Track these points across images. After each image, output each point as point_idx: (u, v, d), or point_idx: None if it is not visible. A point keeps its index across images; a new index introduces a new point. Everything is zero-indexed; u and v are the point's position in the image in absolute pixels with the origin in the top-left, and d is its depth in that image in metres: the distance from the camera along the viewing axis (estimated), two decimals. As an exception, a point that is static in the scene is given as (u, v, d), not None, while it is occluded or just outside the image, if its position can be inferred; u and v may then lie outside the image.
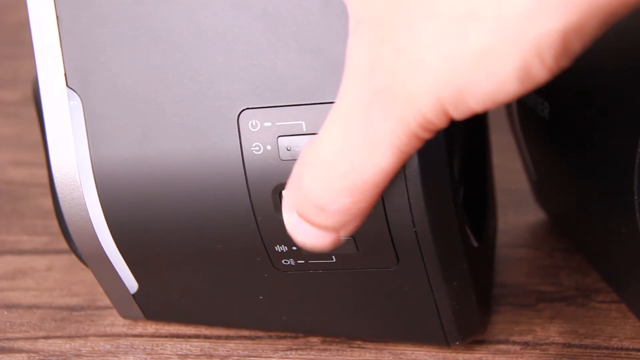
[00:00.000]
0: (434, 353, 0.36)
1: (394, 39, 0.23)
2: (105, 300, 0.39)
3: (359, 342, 0.37)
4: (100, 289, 0.37)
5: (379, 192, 0.26)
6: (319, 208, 0.26)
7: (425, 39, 0.22)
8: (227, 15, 0.30)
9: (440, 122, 0.24)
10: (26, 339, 0.38)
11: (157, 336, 0.38)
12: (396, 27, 0.23)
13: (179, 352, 0.37)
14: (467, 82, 0.22)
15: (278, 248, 0.32)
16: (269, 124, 0.30)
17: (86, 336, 0.38)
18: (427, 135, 0.24)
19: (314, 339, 0.37)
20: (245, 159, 0.30)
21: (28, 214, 0.47)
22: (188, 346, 0.37)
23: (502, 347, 0.37)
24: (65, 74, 0.32)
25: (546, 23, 0.21)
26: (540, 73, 0.22)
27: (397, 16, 0.23)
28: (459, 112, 0.23)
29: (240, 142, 0.30)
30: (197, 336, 0.38)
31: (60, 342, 0.38)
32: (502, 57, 0.21)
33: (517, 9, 0.21)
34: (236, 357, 0.37)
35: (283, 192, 0.27)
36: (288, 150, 0.30)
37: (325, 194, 0.26)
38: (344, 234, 0.27)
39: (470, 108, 0.23)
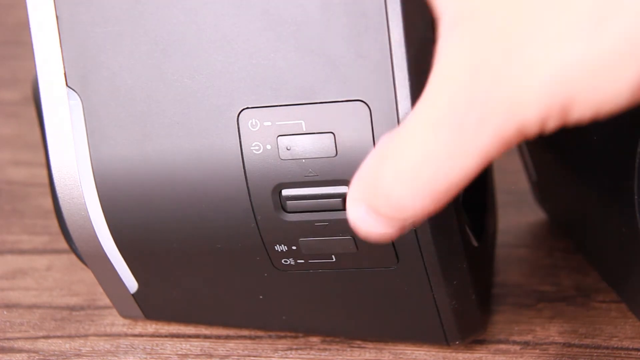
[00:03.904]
0: (434, 353, 0.36)
1: (505, 40, 0.22)
2: (105, 300, 0.39)
3: (359, 342, 0.37)
4: (100, 289, 0.37)
5: (458, 192, 0.25)
6: (397, 207, 0.25)
7: (546, 39, 0.21)
8: (227, 15, 0.30)
9: (535, 133, 0.23)
10: (26, 338, 0.38)
11: (157, 336, 0.38)
12: (509, 26, 0.22)
13: (179, 352, 0.37)
14: (581, 91, 0.21)
15: (278, 248, 0.32)
16: (268, 123, 0.30)
17: (86, 336, 0.38)
18: (516, 142, 0.23)
19: (314, 339, 0.37)
20: (245, 159, 0.30)
21: (28, 214, 0.47)
22: (188, 346, 0.37)
23: (502, 346, 0.37)
24: (65, 74, 0.32)
25: None
26: None
27: (512, 14, 0.22)
28: (556, 124, 0.22)
29: (240, 142, 0.30)
30: (197, 336, 0.38)
31: (60, 342, 0.38)
32: (625, 64, 0.21)
33: None
34: (236, 357, 0.37)
35: (351, 183, 0.26)
36: (288, 149, 0.30)
37: (408, 195, 0.25)
38: (411, 225, 0.27)
39: (569, 120, 0.22)
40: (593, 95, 0.21)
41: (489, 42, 0.22)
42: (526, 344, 0.37)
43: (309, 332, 0.37)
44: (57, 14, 0.31)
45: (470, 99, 0.23)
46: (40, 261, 0.43)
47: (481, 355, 0.36)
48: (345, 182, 0.30)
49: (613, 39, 0.20)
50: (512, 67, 0.22)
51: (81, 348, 0.38)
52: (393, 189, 0.25)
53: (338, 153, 0.30)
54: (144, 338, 0.38)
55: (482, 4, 0.22)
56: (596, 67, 0.21)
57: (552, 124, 0.22)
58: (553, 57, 0.21)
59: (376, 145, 0.26)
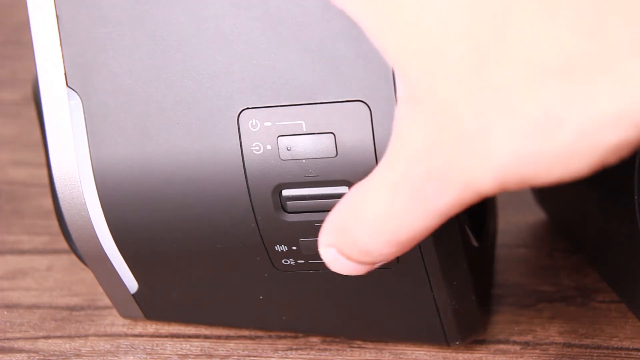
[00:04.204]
0: (434, 353, 0.36)
1: (459, 126, 0.22)
2: (105, 300, 0.40)
3: (359, 342, 0.37)
4: (100, 289, 0.37)
5: (413, 246, 0.26)
6: (364, 253, 0.27)
7: (497, 134, 0.22)
8: (227, 15, 0.30)
9: (494, 193, 0.23)
10: (26, 339, 0.38)
11: (157, 336, 0.38)
12: (463, 114, 0.22)
13: (179, 352, 0.37)
14: (536, 174, 0.22)
15: (278, 248, 0.32)
16: (269, 123, 0.30)
17: (86, 336, 0.38)
18: (473, 204, 0.24)
19: (314, 339, 0.37)
20: (245, 159, 0.30)
21: (28, 214, 0.47)
22: (188, 346, 0.37)
23: (502, 347, 0.37)
24: (65, 74, 0.32)
25: (630, 131, 0.20)
26: (614, 162, 0.21)
27: (466, 103, 0.22)
28: (515, 187, 0.23)
29: (240, 142, 0.30)
30: (197, 336, 0.38)
31: (60, 342, 0.38)
32: (580, 157, 0.21)
33: (602, 120, 0.20)
34: (236, 357, 0.37)
35: (322, 228, 0.28)
36: (288, 149, 0.30)
37: (374, 244, 0.26)
38: (379, 266, 0.28)
39: (530, 186, 0.23)
40: (549, 176, 0.22)
41: (444, 126, 0.23)
42: (526, 344, 0.37)
43: (309, 332, 0.37)
44: (57, 14, 0.31)
45: (427, 171, 0.24)
46: (40, 261, 0.43)
47: (481, 355, 0.36)
48: (346, 183, 0.30)
49: (567, 137, 0.21)
50: (466, 152, 0.22)
51: (81, 348, 0.38)
52: (360, 238, 0.26)
53: (338, 153, 0.30)
54: (144, 338, 0.38)
55: (439, 89, 0.23)
56: (550, 160, 0.21)
57: (510, 188, 0.23)
58: (502, 150, 0.22)
59: (346, 195, 0.27)
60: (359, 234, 0.26)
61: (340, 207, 0.27)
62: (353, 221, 0.27)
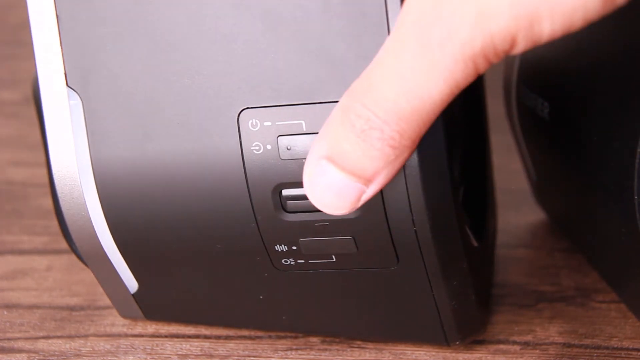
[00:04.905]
0: (434, 353, 0.36)
1: None
2: (105, 300, 0.40)
3: (359, 342, 0.37)
4: (100, 289, 0.37)
5: (421, 131, 0.25)
6: (361, 138, 0.25)
7: None
8: (227, 15, 0.30)
9: (504, 51, 0.22)
10: (26, 339, 0.38)
11: (157, 336, 0.38)
12: None
13: (179, 352, 0.37)
14: (547, 3, 0.21)
15: (278, 248, 0.32)
16: (269, 123, 0.30)
17: (86, 336, 0.38)
18: (484, 65, 0.23)
19: (314, 339, 0.37)
20: (245, 159, 0.30)
21: (28, 214, 0.47)
22: (188, 346, 0.37)
23: (502, 347, 0.37)
24: (65, 74, 0.32)
25: None
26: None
27: None
28: (529, 38, 0.22)
29: (240, 142, 0.30)
30: (197, 336, 0.38)
31: (60, 342, 0.38)
32: None
33: None
34: (236, 357, 0.37)
35: (314, 140, 0.27)
36: (288, 149, 0.30)
37: (378, 117, 0.24)
38: (369, 191, 0.26)
39: (542, 32, 0.21)
40: (562, 3, 0.21)
41: None
42: (526, 344, 0.37)
43: (309, 332, 0.37)
44: (57, 14, 0.31)
45: (438, 12, 0.22)
46: (40, 261, 0.43)
47: (481, 355, 0.36)
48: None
49: None
50: None
51: (81, 348, 0.38)
52: (360, 114, 0.25)
53: (338, 153, 0.30)
54: (144, 338, 0.38)
55: None
56: None
57: (522, 41, 0.22)
58: None
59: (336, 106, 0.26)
60: (360, 110, 0.25)
61: (342, 100, 0.26)
62: (353, 100, 0.25)
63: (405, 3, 0.24)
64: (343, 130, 0.26)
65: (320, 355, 0.37)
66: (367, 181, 0.26)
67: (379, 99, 0.24)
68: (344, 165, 0.26)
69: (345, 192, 0.26)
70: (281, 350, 0.37)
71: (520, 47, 0.22)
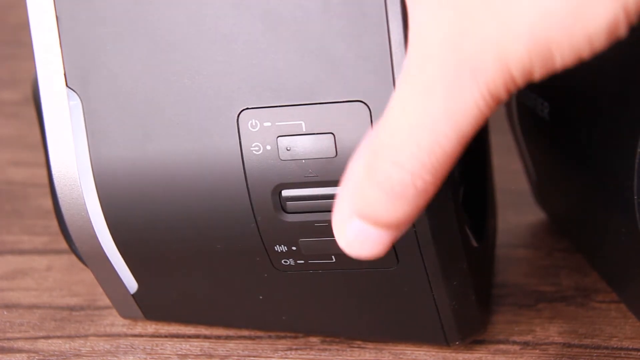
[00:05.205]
0: (434, 353, 0.36)
1: (487, 3, 0.23)
2: (105, 300, 0.39)
3: (359, 342, 0.37)
4: (100, 289, 0.37)
5: (449, 170, 0.25)
6: (398, 196, 0.25)
7: (523, 1, 0.22)
8: (227, 15, 0.30)
9: (522, 83, 0.24)
10: (26, 339, 0.38)
11: (157, 336, 0.38)
12: None
13: (179, 352, 0.37)
14: (558, 36, 0.22)
15: (278, 248, 0.32)
16: (268, 123, 0.30)
17: (86, 336, 0.38)
18: (505, 98, 0.24)
19: (314, 339, 0.37)
20: (245, 159, 0.30)
21: (28, 214, 0.47)
22: (188, 346, 0.37)
23: (502, 347, 0.37)
24: (65, 74, 0.32)
25: None
26: (624, 29, 0.22)
27: None
28: (543, 70, 0.23)
29: (240, 142, 0.30)
30: (197, 336, 0.38)
31: (60, 342, 0.38)
32: (595, 9, 0.22)
33: None
34: (236, 357, 0.37)
35: (338, 195, 0.27)
36: (288, 150, 0.30)
37: (407, 176, 0.25)
38: (403, 230, 0.26)
39: (555, 64, 0.23)
40: (571, 37, 0.22)
41: (471, 6, 0.23)
42: (526, 344, 0.37)
43: (309, 332, 0.37)
44: (57, 14, 0.31)
45: (460, 58, 0.23)
46: (40, 261, 0.43)
47: (481, 355, 0.36)
48: (345, 183, 0.30)
49: None
50: (496, 25, 0.23)
51: (81, 348, 0.38)
52: (391, 172, 0.25)
53: (338, 154, 0.30)
54: (144, 338, 0.38)
55: None
56: (565, 15, 0.22)
57: (537, 73, 0.23)
58: (532, 12, 0.22)
59: (356, 152, 0.26)
60: (390, 168, 0.25)
61: (354, 162, 0.26)
62: (379, 161, 0.25)
63: (415, 47, 0.24)
64: (370, 189, 0.26)
65: (320, 355, 0.37)
66: (401, 226, 0.26)
67: (404, 151, 0.25)
68: (378, 221, 0.26)
69: (382, 240, 0.27)
70: (281, 350, 0.37)
71: (536, 77, 0.24)
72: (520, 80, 0.24)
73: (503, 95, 0.24)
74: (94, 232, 0.33)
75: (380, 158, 0.25)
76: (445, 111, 0.24)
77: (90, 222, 0.33)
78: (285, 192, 0.31)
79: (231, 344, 0.37)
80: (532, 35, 0.23)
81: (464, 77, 0.23)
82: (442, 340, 0.35)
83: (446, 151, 0.24)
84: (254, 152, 0.30)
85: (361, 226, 0.26)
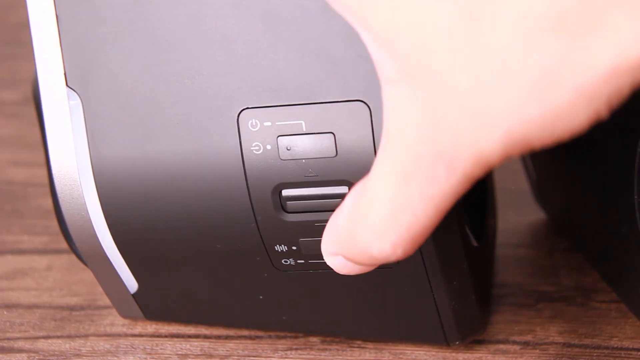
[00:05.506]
0: (434, 353, 0.36)
1: (459, 97, 0.22)
2: (105, 300, 0.39)
3: (359, 342, 0.37)
4: (100, 289, 0.37)
5: (429, 235, 0.26)
6: (374, 257, 0.26)
7: (499, 102, 0.22)
8: (227, 15, 0.30)
9: (500, 164, 0.24)
10: (26, 338, 0.38)
11: (157, 336, 0.38)
12: (461, 85, 0.22)
13: (179, 352, 0.37)
14: (541, 135, 0.22)
15: (278, 248, 0.32)
16: (268, 123, 0.30)
17: (86, 336, 0.38)
18: (484, 175, 0.24)
19: (314, 339, 0.37)
20: (245, 159, 0.30)
21: (28, 214, 0.47)
22: (188, 346, 0.37)
23: (502, 347, 0.37)
24: (65, 74, 0.32)
25: (623, 80, 0.21)
26: (606, 114, 0.22)
27: (462, 73, 0.22)
28: (521, 153, 0.23)
29: (240, 142, 0.30)
30: (197, 336, 0.38)
31: (60, 342, 0.38)
32: (579, 112, 0.22)
33: (597, 74, 0.21)
34: (236, 357, 0.37)
35: (323, 237, 0.28)
36: (288, 149, 0.30)
37: (384, 246, 0.25)
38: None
39: (533, 149, 0.23)
40: (552, 134, 0.22)
41: (446, 102, 0.23)
42: (526, 344, 0.37)
43: (309, 332, 0.37)
44: (57, 14, 0.31)
45: (437, 152, 0.23)
46: (40, 261, 0.43)
47: (481, 355, 0.36)
48: (346, 182, 0.30)
49: (567, 94, 0.21)
50: (471, 125, 0.22)
51: (81, 348, 0.38)
52: (369, 243, 0.26)
53: (338, 153, 0.30)
54: (144, 338, 0.38)
55: (434, 65, 0.22)
56: (552, 119, 0.22)
57: (516, 154, 0.23)
58: (509, 116, 0.22)
59: (345, 200, 0.26)
60: (367, 239, 0.26)
61: (341, 213, 0.27)
62: (359, 226, 0.26)
63: (393, 133, 0.24)
64: (352, 248, 0.27)
65: (320, 355, 0.37)
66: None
67: (383, 225, 0.25)
68: (360, 262, 0.27)
69: (367, 269, 0.28)
70: (281, 350, 0.37)
71: (515, 157, 0.24)
72: (498, 163, 0.23)
73: (481, 174, 0.24)
74: (94, 231, 0.33)
75: (360, 226, 0.26)
76: (422, 196, 0.24)
77: (91, 221, 0.33)
78: (286, 192, 0.31)
79: (231, 344, 0.37)
80: (509, 136, 0.22)
81: (440, 169, 0.24)
82: (442, 340, 0.35)
83: (425, 225, 0.25)
84: (254, 151, 0.30)
85: (346, 261, 0.27)
